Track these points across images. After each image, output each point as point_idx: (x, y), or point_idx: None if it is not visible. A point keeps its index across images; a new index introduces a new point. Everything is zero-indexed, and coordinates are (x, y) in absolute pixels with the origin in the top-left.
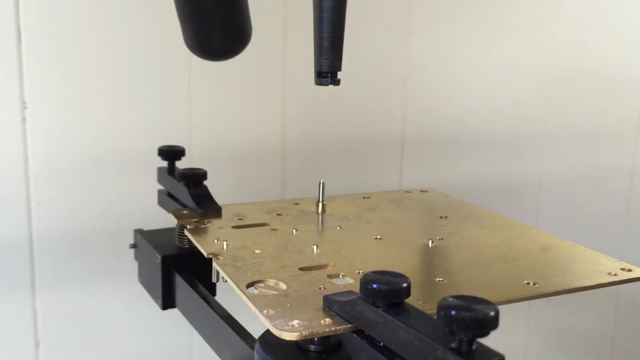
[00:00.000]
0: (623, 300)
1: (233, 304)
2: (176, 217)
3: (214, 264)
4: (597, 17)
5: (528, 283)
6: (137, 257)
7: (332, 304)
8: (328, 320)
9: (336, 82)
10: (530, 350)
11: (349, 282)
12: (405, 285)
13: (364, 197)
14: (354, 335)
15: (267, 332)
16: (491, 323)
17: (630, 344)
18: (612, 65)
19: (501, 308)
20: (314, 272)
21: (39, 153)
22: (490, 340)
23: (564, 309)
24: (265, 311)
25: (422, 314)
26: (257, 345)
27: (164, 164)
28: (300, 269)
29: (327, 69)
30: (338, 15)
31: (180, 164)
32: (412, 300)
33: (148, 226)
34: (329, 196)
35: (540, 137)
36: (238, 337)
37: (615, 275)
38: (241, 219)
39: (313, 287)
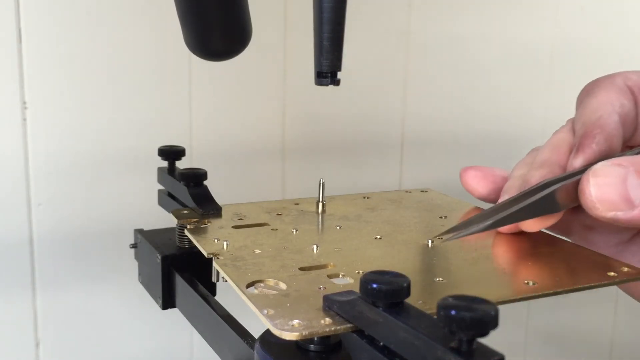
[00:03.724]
0: (623, 300)
1: (233, 304)
2: (176, 217)
3: (214, 264)
4: (597, 17)
5: (528, 283)
6: (137, 257)
7: (332, 304)
8: (328, 320)
9: (336, 82)
10: (530, 350)
11: (349, 282)
12: (405, 285)
13: (364, 197)
14: (354, 335)
15: (267, 331)
16: (491, 323)
17: (630, 343)
18: (612, 65)
19: (501, 308)
20: (314, 272)
21: (39, 153)
22: (490, 340)
23: (564, 309)
24: (265, 311)
25: (422, 313)
26: (257, 345)
27: (164, 164)
28: (300, 268)
29: (327, 69)
30: (338, 15)
31: (181, 164)
32: (412, 300)
33: (148, 226)
34: (329, 196)
35: (540, 137)
36: (238, 337)
37: (615, 275)
38: (241, 219)
39: (313, 287)
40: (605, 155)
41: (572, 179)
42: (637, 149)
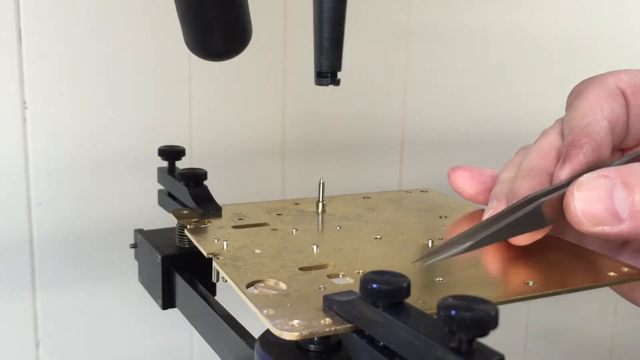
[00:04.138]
0: (623, 300)
1: (233, 304)
2: (176, 217)
3: (214, 264)
4: (597, 17)
5: (528, 283)
6: (137, 257)
7: (332, 304)
8: (328, 320)
9: (336, 82)
10: (530, 350)
11: (349, 282)
12: (405, 285)
13: (364, 197)
14: (354, 335)
15: (267, 331)
16: (491, 323)
17: (630, 343)
18: (612, 66)
19: (501, 308)
20: (314, 272)
21: (39, 153)
22: (490, 340)
23: (564, 309)
24: (265, 311)
25: (422, 313)
26: (257, 345)
27: (164, 164)
28: (300, 268)
29: (327, 69)
30: (338, 15)
31: (181, 164)
32: (412, 300)
33: (148, 226)
34: (329, 196)
35: None
36: (238, 337)
37: (615, 275)
38: (241, 219)
39: (313, 287)
40: (593, 165)
41: (557, 193)
42: (626, 157)
